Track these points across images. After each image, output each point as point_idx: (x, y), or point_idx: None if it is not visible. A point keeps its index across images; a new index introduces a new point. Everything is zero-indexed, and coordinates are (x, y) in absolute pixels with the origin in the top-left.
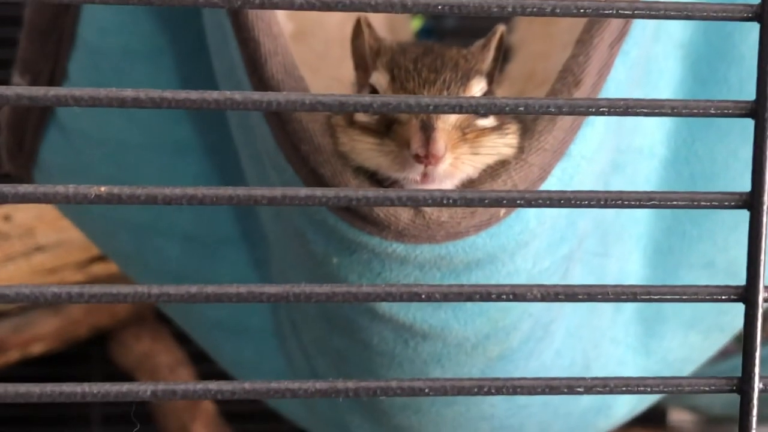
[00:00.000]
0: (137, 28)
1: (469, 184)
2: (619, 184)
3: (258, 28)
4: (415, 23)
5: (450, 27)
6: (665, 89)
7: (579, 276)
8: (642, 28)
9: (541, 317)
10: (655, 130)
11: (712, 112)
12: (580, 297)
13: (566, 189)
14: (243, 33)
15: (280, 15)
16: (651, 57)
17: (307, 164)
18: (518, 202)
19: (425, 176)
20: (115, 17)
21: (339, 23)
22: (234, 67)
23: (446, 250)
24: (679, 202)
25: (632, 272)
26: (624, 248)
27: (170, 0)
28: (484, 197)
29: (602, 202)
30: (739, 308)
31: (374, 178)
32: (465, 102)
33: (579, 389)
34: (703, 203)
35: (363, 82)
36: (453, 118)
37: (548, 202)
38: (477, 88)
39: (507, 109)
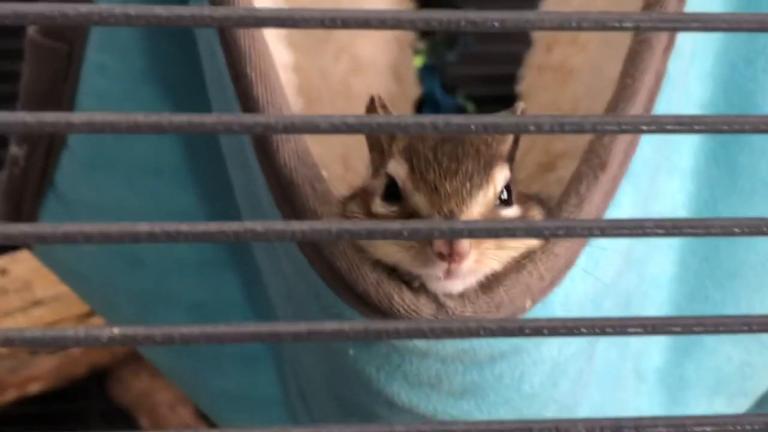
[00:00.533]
0: (138, 97)
1: (493, 277)
2: (641, 250)
3: (268, 113)
4: (418, 61)
5: (452, 61)
6: (686, 152)
7: (602, 351)
8: (668, 100)
9: (565, 401)
10: (676, 193)
11: None
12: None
13: (591, 273)
14: None
15: (291, 95)
16: None
17: (322, 256)
18: (560, 330)
19: (449, 273)
20: (115, 86)
21: (344, 74)
22: (242, 147)
23: (470, 344)
24: (718, 229)
25: (654, 340)
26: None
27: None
28: (524, 326)
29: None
30: (762, 375)
31: (394, 273)
32: (501, 226)
33: None
34: (743, 230)
35: (378, 166)
36: (476, 211)
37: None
38: (500, 176)
39: (546, 233)
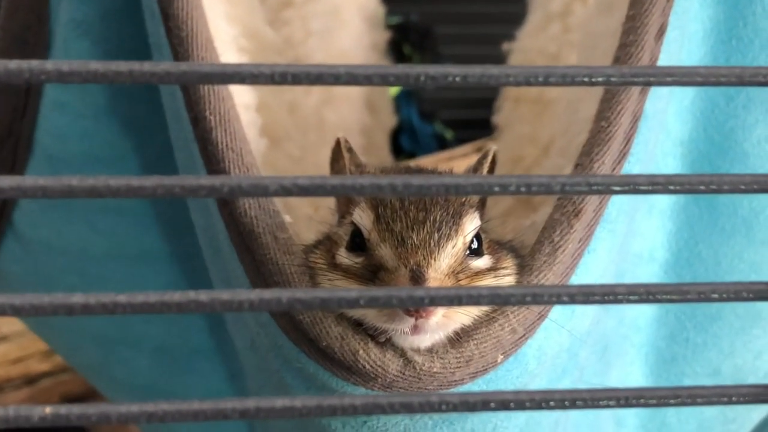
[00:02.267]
0: (99, 134)
1: (463, 331)
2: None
3: (228, 158)
4: (393, 90)
5: (428, 90)
6: None
7: None
8: (644, 141)
9: None
10: (655, 233)
11: None
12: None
13: (567, 322)
14: (213, 165)
15: (253, 136)
16: (651, 158)
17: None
18: (527, 404)
19: (416, 328)
20: (75, 123)
21: (316, 106)
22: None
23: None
24: (695, 295)
25: (634, 383)
26: (625, 360)
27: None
28: (488, 400)
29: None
30: (744, 418)
31: (359, 326)
32: (464, 293)
33: None
34: (721, 295)
35: (344, 212)
36: (445, 264)
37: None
38: (470, 225)
39: (512, 300)
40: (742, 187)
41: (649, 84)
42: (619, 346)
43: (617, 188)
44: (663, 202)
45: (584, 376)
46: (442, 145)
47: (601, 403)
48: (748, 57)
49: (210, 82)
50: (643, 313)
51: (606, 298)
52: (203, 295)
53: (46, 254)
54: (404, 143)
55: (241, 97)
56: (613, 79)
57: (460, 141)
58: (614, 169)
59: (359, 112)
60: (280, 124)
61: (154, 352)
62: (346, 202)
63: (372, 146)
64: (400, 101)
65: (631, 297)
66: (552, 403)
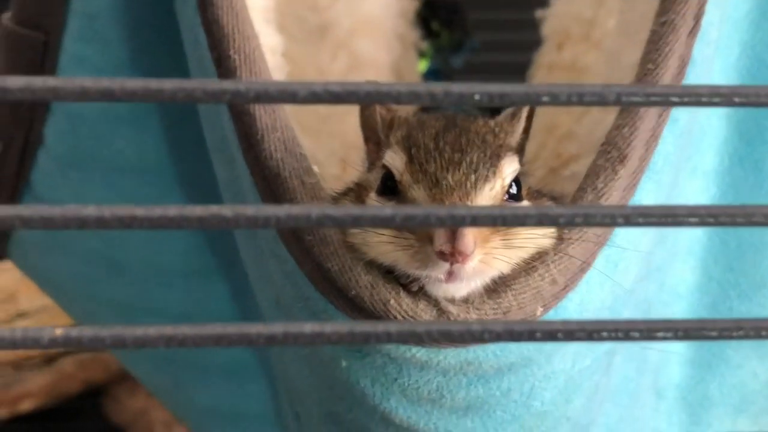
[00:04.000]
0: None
1: (500, 280)
2: (661, 256)
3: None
4: (422, 65)
5: (458, 66)
6: (708, 151)
7: (619, 365)
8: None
9: (579, 419)
10: (699, 195)
11: None
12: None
13: (610, 277)
14: (237, 106)
15: (275, 68)
16: (695, 118)
17: (311, 257)
18: (577, 334)
19: (451, 274)
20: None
21: (342, 73)
22: (226, 139)
23: (474, 355)
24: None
25: (675, 354)
26: None
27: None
28: (534, 329)
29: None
30: None
31: (390, 274)
32: (509, 213)
33: None
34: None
35: (374, 159)
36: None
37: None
38: (509, 168)
39: (561, 221)
40: None
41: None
42: (659, 314)
43: (677, 99)
44: (707, 163)
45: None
46: None
47: (658, 335)
48: None
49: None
50: (684, 280)
51: (664, 220)
52: (227, 210)
53: None
54: None
55: (268, 40)
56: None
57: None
58: (661, 114)
59: (387, 78)
60: (309, 77)
61: (175, 320)
62: (377, 148)
63: None
64: (429, 77)
65: (691, 219)
66: (605, 334)
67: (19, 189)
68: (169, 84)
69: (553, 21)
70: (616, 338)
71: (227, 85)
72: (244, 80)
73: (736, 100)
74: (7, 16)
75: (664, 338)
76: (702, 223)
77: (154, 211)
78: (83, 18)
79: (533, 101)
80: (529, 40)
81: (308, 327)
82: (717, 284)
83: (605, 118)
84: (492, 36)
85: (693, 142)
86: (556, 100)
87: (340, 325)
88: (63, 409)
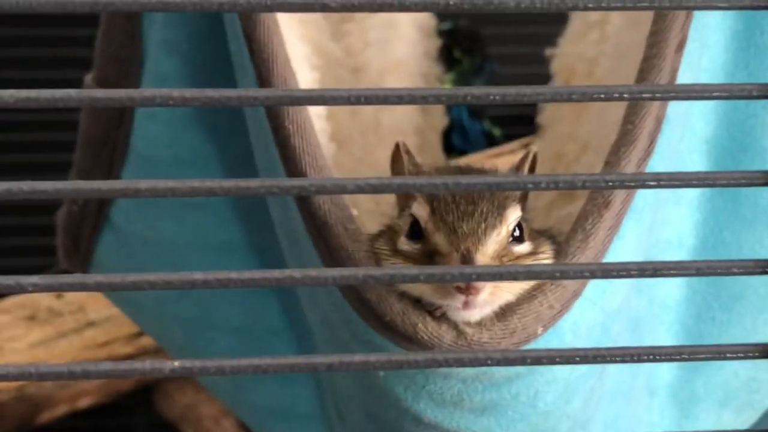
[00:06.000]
0: (186, 140)
1: (507, 307)
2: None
3: (304, 161)
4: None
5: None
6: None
7: (613, 370)
8: (668, 141)
9: (578, 417)
10: (684, 221)
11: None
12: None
13: (599, 299)
14: (291, 167)
15: (324, 141)
16: (677, 154)
17: (354, 289)
18: (557, 361)
19: (467, 304)
20: (165, 129)
21: (372, 112)
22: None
23: (488, 366)
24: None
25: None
26: (656, 336)
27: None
28: (525, 356)
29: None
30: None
31: (418, 303)
32: (504, 271)
33: None
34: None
35: (404, 206)
36: (491, 249)
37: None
38: (513, 216)
39: (543, 275)
40: (743, 181)
41: (656, 99)
42: (649, 324)
43: (630, 183)
44: (690, 194)
45: None
46: (491, 142)
47: (622, 359)
48: (765, 63)
49: (299, 103)
50: (672, 294)
51: (619, 273)
52: (297, 273)
53: (140, 246)
54: (455, 141)
55: (315, 107)
56: (625, 95)
57: (507, 137)
58: (640, 166)
59: (413, 115)
60: (344, 128)
61: (234, 333)
62: (405, 198)
63: (426, 145)
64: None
65: (633, 272)
66: (577, 359)
67: (100, 224)
68: (254, 183)
69: (560, 59)
70: (586, 362)
71: (295, 182)
72: (308, 179)
73: (675, 183)
74: (89, 77)
75: (648, 360)
76: (644, 275)
77: (244, 275)
78: (155, 79)
79: (521, 187)
80: (542, 74)
81: (358, 357)
82: (701, 297)
83: (598, 163)
84: (508, 70)
85: None
86: (537, 186)
87: (382, 355)
88: (117, 405)
